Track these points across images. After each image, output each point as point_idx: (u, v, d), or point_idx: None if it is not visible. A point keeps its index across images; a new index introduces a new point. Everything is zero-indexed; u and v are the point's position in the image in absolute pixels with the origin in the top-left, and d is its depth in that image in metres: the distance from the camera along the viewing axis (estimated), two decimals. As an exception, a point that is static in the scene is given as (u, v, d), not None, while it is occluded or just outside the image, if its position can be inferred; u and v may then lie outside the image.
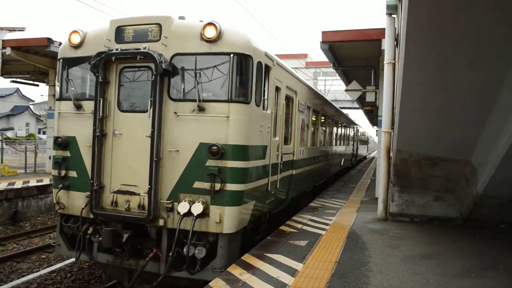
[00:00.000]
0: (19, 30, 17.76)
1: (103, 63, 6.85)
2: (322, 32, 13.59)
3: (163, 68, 6.58)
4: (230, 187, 6.55)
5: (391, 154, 10.01)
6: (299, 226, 8.94)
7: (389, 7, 9.74)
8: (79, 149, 7.30)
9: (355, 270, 6.12)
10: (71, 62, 7.52)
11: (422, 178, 9.43)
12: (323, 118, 15.12)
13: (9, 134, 47.59)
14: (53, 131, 8.34)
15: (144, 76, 7.06)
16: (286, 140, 9.62)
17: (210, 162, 6.55)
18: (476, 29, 5.79)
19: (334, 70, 20.89)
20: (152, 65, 6.68)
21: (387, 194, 10.06)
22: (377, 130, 26.49)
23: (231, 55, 6.59)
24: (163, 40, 6.78)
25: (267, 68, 7.65)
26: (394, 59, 9.72)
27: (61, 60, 7.60)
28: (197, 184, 6.63)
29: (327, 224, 9.20)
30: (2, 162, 21.10)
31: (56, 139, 7.52)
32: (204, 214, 6.50)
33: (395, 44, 9.76)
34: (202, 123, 6.70)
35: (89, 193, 6.96)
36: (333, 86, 36.58)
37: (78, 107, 7.37)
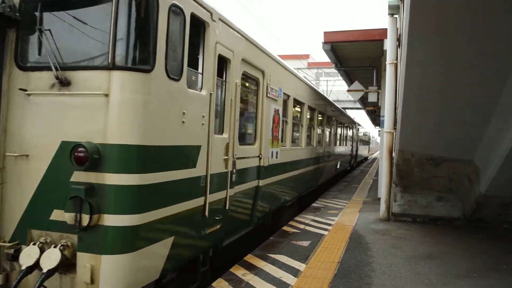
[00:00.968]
0: None
1: None
2: (324, 32, 13.64)
3: (4, 15, 4.18)
4: (111, 220, 3.96)
5: (393, 155, 10.00)
6: (302, 226, 8.94)
7: (391, 7, 9.75)
8: None
9: (358, 270, 6.11)
10: None
11: (425, 178, 9.41)
12: (311, 112, 12.70)
13: None
14: None
15: None
16: (245, 139, 7.30)
17: (77, 176, 4.03)
18: (479, 29, 5.78)
19: (336, 71, 20.89)
20: None
21: (390, 195, 10.06)
22: (379, 131, 24.20)
23: None
24: None
25: (199, 22, 5.10)
26: (396, 59, 9.72)
27: None
28: (56, 215, 4.09)
29: (329, 225, 9.19)
30: None
31: None
32: (67, 267, 4.06)
33: (397, 44, 9.76)
34: (66, 107, 4.16)
35: None
36: (335, 87, 36.61)
37: None
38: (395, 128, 9.81)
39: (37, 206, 4.17)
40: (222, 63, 5.87)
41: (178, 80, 4.60)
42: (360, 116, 51.44)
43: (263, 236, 8.15)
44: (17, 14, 4.27)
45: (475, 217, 9.35)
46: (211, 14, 5.28)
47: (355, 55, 15.62)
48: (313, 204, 12.18)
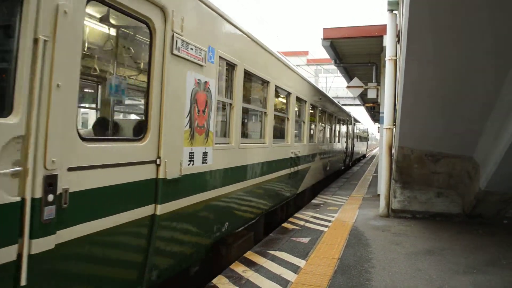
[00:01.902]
0: None
1: None
2: (324, 29, 13.64)
3: None
4: None
5: (393, 151, 10.00)
6: (302, 223, 8.95)
7: (390, 3, 9.74)
8: None
9: (358, 266, 6.12)
10: None
11: (425, 174, 9.42)
12: (285, 98, 9.80)
13: None
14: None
15: None
16: (107, 128, 5.03)
17: None
18: (478, 25, 5.77)
19: (335, 67, 20.86)
20: None
21: (389, 191, 10.07)
22: (378, 127, 24.13)
23: None
24: None
25: None
26: (396, 56, 9.71)
27: None
28: None
29: (329, 221, 9.20)
30: None
31: None
32: None
33: (397, 40, 9.74)
34: None
35: None
36: (334, 83, 36.54)
37: None
38: (394, 125, 9.81)
39: None
40: None
41: None
42: (359, 113, 51.31)
43: None
44: None
45: (475, 213, 9.36)
46: None
47: (354, 52, 15.61)
48: (313, 201, 12.20)
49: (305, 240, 7.53)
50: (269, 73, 8.02)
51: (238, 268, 5.92)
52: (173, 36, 4.49)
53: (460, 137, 8.11)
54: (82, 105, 6.58)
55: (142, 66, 5.31)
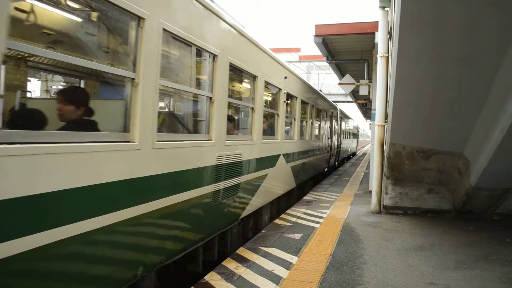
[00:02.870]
0: None
1: None
2: (316, 25, 13.63)
3: None
4: None
5: (384, 147, 10.05)
6: (294, 219, 8.96)
7: (382, 0, 9.74)
8: None
9: (350, 262, 6.14)
10: None
11: (416, 171, 9.47)
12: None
13: None
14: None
15: None
16: None
17: None
18: (469, 22, 5.80)
19: (327, 64, 20.88)
20: None
21: (381, 187, 10.11)
22: (370, 124, 22.15)
23: None
24: None
25: None
26: (388, 52, 9.73)
27: None
28: None
29: (321, 218, 9.22)
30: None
31: None
32: None
33: (388, 37, 9.76)
34: None
35: None
36: (326, 80, 36.62)
37: None
38: (386, 121, 9.85)
39: None
40: None
41: None
42: (351, 110, 51.34)
43: None
44: None
45: (465, 209, 9.44)
46: None
47: (346, 48, 15.63)
48: (305, 197, 12.22)
49: (297, 236, 7.54)
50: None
51: (230, 264, 5.91)
52: None
53: (451, 133, 8.17)
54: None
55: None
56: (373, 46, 12.94)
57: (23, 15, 3.93)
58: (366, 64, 15.68)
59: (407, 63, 7.05)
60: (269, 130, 9.43)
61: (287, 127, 10.87)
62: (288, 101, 10.67)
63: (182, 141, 5.15)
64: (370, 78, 15.16)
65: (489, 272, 5.93)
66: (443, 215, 9.72)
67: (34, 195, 2.97)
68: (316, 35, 13.72)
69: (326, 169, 18.77)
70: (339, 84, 17.48)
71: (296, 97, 11.43)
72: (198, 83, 5.97)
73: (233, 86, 8.10)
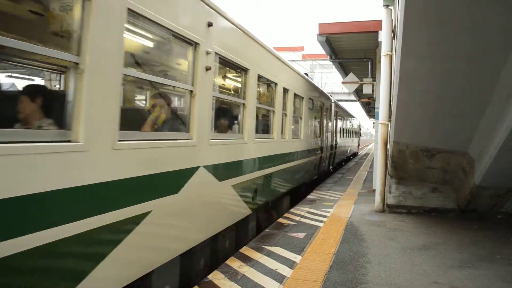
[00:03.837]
0: None
1: None
2: (319, 24, 13.63)
3: None
4: None
5: (388, 146, 10.03)
6: (297, 218, 8.96)
7: (386, -2, 9.73)
8: None
9: (353, 261, 6.14)
10: None
11: (420, 170, 9.45)
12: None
13: None
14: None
15: None
16: None
17: None
18: (473, 20, 5.78)
19: (331, 63, 20.85)
20: None
21: (385, 186, 10.09)
22: (374, 122, 21.60)
23: None
24: None
25: None
26: (391, 51, 9.71)
27: None
28: None
29: (325, 216, 9.22)
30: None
31: None
32: None
33: (392, 36, 9.74)
34: None
35: None
36: (330, 79, 36.56)
37: None
38: (390, 120, 9.82)
39: None
40: None
41: None
42: (355, 108, 50.94)
43: None
44: None
45: (469, 208, 9.41)
46: None
47: (350, 47, 15.61)
48: (309, 196, 12.21)
49: (301, 235, 7.54)
50: None
51: (234, 263, 5.92)
52: None
53: (455, 132, 8.14)
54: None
55: None
56: (376, 45, 12.90)
57: None
58: (369, 62, 15.65)
59: (411, 62, 7.02)
60: (173, 122, 5.49)
61: (225, 119, 7.15)
62: (225, 71, 7.18)
63: None
64: (373, 77, 15.11)
65: (493, 271, 5.91)
66: (447, 214, 9.69)
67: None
68: (320, 34, 13.71)
69: (315, 177, 15.03)
70: (343, 83, 17.44)
71: (248, 70, 7.17)
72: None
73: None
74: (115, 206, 3.78)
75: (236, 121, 7.36)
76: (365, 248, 6.85)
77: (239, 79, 7.47)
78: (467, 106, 7.34)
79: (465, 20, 5.85)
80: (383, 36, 9.96)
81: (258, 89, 8.23)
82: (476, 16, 5.69)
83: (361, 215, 9.50)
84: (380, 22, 10.63)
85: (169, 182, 4.74)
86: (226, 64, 6.70)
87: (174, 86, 5.41)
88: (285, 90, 9.83)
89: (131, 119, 4.77)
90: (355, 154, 37.33)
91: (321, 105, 15.46)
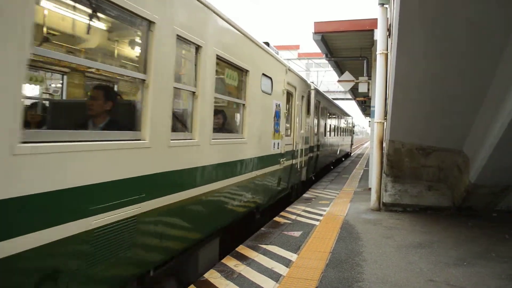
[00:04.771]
0: None
1: None
2: (315, 22, 13.61)
3: None
4: None
5: (384, 145, 10.04)
6: (293, 217, 8.96)
7: (381, -3, 9.73)
8: None
9: (349, 260, 6.14)
10: None
11: (415, 168, 9.47)
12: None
13: None
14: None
15: None
16: None
17: None
18: (468, 18, 5.79)
19: (326, 61, 20.85)
20: None
21: (380, 184, 10.10)
22: (369, 121, 19.24)
23: None
24: None
25: None
26: (387, 49, 9.72)
27: None
28: None
29: (320, 215, 9.22)
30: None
31: None
32: None
33: (388, 34, 9.75)
34: None
35: None
36: (325, 77, 36.57)
37: None
38: (385, 118, 9.84)
39: None
40: None
41: None
42: (350, 107, 50.62)
43: None
44: None
45: (465, 206, 9.44)
46: None
47: (345, 45, 15.62)
48: (304, 195, 12.21)
49: (297, 234, 7.54)
50: None
51: (230, 262, 5.91)
52: None
53: (450, 131, 8.17)
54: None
55: None
56: (372, 43, 12.92)
57: None
58: (365, 61, 15.66)
59: (406, 60, 7.04)
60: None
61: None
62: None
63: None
64: (369, 76, 15.14)
65: (488, 268, 5.93)
66: (442, 212, 9.72)
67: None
68: (315, 32, 13.70)
69: (283, 193, 10.70)
70: (338, 81, 17.47)
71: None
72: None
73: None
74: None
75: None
76: (361, 247, 6.86)
77: None
78: (462, 105, 7.36)
79: (460, 19, 5.86)
80: (379, 35, 9.96)
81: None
82: (471, 15, 5.70)
83: (357, 214, 9.51)
84: (375, 20, 10.64)
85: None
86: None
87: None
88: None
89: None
90: (347, 155, 34.01)
91: (290, 90, 10.60)
